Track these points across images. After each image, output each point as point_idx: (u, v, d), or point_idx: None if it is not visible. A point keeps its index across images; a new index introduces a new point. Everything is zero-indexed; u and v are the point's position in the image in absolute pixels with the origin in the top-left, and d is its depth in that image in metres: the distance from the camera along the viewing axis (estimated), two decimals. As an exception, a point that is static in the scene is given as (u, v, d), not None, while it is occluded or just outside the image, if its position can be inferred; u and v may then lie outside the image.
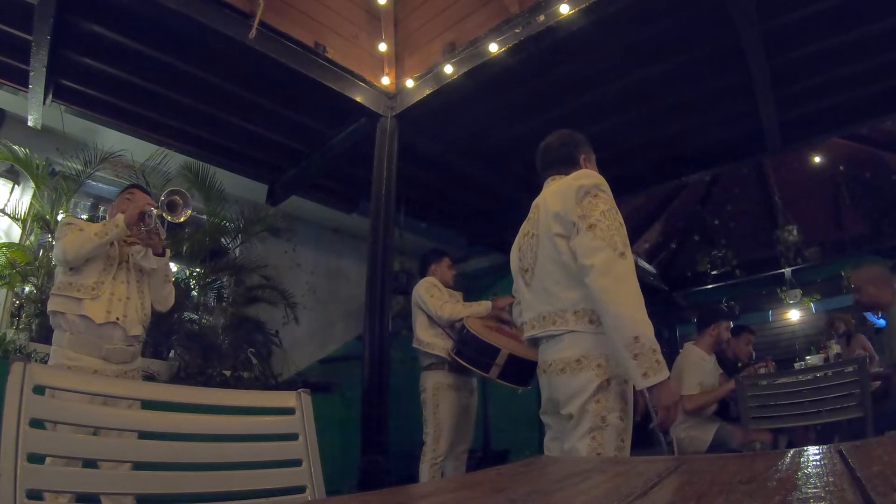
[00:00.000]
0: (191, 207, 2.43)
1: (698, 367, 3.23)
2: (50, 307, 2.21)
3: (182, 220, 2.43)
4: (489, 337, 2.61)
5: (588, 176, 1.62)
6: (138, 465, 0.98)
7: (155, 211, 2.34)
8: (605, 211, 1.53)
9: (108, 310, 2.21)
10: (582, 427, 1.49)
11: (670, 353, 4.30)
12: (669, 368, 1.44)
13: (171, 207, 2.38)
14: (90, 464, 1.02)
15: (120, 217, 2.26)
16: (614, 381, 1.50)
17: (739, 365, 3.73)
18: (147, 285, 2.43)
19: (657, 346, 1.42)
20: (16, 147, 3.94)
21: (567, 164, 1.78)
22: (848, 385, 2.56)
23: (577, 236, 1.53)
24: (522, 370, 2.41)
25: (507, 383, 2.45)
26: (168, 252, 2.50)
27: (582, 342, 1.53)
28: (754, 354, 3.96)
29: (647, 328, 1.41)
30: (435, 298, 3.06)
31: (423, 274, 3.31)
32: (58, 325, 2.20)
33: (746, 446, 2.95)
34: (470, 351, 2.67)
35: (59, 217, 3.82)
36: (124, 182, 3.83)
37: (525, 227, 1.80)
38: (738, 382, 2.86)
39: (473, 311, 2.96)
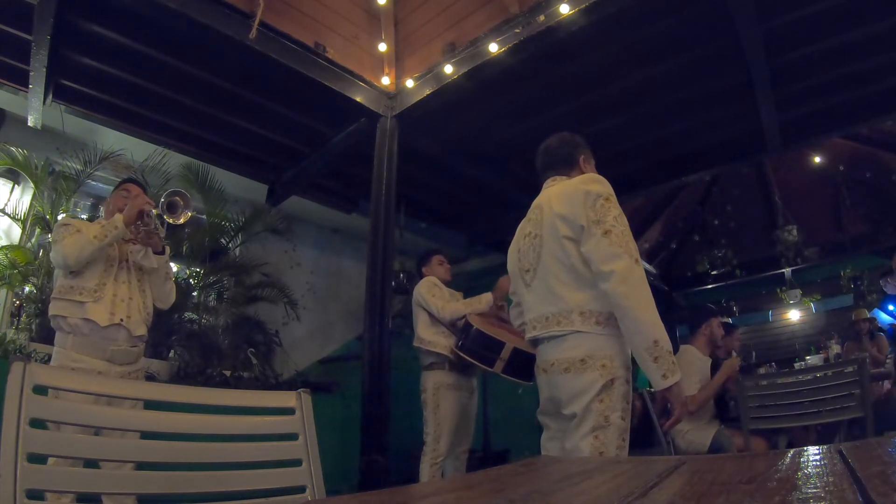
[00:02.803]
0: (191, 209, 2.42)
1: (695, 367, 3.22)
2: (52, 311, 2.18)
3: (182, 221, 2.41)
4: (493, 331, 2.61)
5: (596, 181, 1.64)
6: (138, 465, 0.98)
7: (154, 211, 2.33)
8: (617, 216, 1.56)
9: (111, 312, 2.20)
10: (585, 426, 1.50)
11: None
12: None
13: (172, 208, 2.37)
14: (91, 464, 1.02)
15: (118, 217, 2.24)
16: (618, 381, 1.52)
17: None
18: (148, 284, 2.42)
19: (671, 348, 1.47)
20: (14, 149, 3.93)
21: (567, 166, 1.80)
22: (848, 385, 2.56)
23: (591, 241, 1.54)
24: (527, 365, 2.41)
25: (511, 378, 2.45)
26: (168, 249, 2.48)
27: (587, 342, 1.54)
28: (753, 354, 3.96)
29: (663, 331, 1.46)
30: (436, 298, 3.07)
31: (420, 276, 3.33)
32: (60, 328, 2.17)
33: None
34: (474, 346, 2.66)
35: (60, 217, 3.82)
36: (124, 182, 3.82)
37: (525, 227, 1.80)
38: (734, 384, 2.85)
39: (474, 308, 2.95)
